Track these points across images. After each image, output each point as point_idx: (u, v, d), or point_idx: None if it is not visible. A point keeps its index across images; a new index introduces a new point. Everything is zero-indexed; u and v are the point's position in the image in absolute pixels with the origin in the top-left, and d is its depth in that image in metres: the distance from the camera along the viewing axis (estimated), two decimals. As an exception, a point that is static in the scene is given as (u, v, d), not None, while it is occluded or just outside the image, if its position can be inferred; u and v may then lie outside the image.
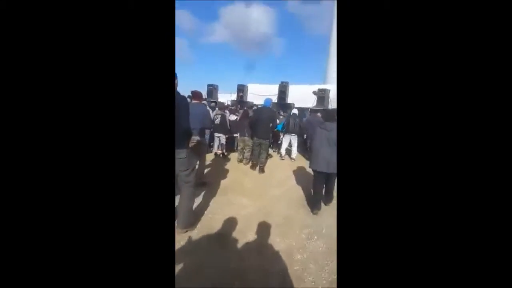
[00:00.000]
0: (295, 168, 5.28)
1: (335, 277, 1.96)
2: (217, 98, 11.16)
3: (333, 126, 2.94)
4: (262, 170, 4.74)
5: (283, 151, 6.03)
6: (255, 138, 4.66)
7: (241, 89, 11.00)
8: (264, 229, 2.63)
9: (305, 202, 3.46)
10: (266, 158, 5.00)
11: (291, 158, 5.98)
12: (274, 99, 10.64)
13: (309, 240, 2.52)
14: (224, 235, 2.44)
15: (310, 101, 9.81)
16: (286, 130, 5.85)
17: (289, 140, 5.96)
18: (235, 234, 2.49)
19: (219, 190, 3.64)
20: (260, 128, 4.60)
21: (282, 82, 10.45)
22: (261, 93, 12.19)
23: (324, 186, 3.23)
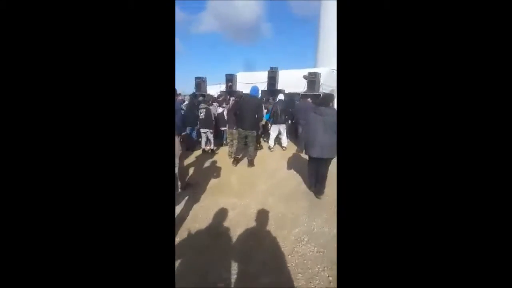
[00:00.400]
0: (285, 158, 5.01)
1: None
2: (205, 91, 10.75)
3: (327, 111, 2.87)
4: (251, 164, 4.46)
5: (271, 142, 5.67)
6: (240, 130, 4.33)
7: (230, 79, 10.57)
8: (250, 233, 2.40)
9: (295, 196, 3.24)
10: (255, 151, 4.75)
11: (282, 147, 5.69)
12: (264, 86, 10.28)
13: (299, 243, 2.29)
14: (206, 244, 2.21)
15: (301, 86, 9.43)
16: (274, 119, 5.51)
17: (277, 131, 5.62)
18: (219, 240, 2.26)
19: (204, 191, 3.39)
20: (245, 118, 4.23)
21: (271, 68, 10.01)
22: (251, 81, 11.81)
23: (317, 171, 3.17)
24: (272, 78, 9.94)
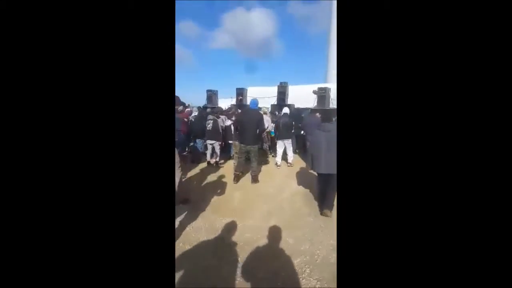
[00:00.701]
0: (291, 175, 4.73)
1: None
2: (217, 104, 10.76)
3: (331, 127, 2.87)
4: (254, 180, 4.17)
5: (278, 158, 5.33)
6: (241, 145, 4.09)
7: (240, 93, 10.54)
8: (247, 263, 2.13)
9: (298, 219, 2.94)
10: (259, 166, 4.45)
11: (288, 163, 5.38)
12: (274, 101, 10.17)
13: (301, 275, 2.00)
14: (192, 273, 1.96)
15: (311, 101, 9.24)
16: (278, 135, 5.25)
17: (283, 146, 5.30)
18: (208, 269, 2.00)
19: (201, 208, 3.16)
20: (245, 132, 3.95)
21: (281, 83, 9.93)
22: (261, 95, 11.77)
23: (325, 189, 3.06)
24: (282, 93, 9.83)
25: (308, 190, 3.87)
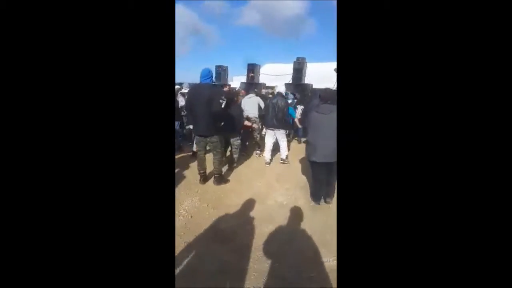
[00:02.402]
0: (282, 175, 3.47)
1: None
2: (226, 81, 9.53)
3: (329, 108, 2.40)
4: (217, 181, 2.93)
5: (267, 154, 3.93)
6: (196, 137, 2.81)
7: (252, 69, 9.09)
8: None
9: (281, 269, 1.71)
10: (221, 164, 3.01)
11: (280, 160, 4.00)
12: (289, 79, 8.65)
13: None
14: None
15: (332, 81, 7.58)
16: (266, 121, 3.83)
17: (273, 138, 3.91)
18: None
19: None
20: (197, 119, 2.62)
21: (297, 59, 8.27)
22: (276, 73, 10.21)
23: (323, 179, 2.61)
24: (298, 71, 8.22)
25: (307, 202, 2.63)
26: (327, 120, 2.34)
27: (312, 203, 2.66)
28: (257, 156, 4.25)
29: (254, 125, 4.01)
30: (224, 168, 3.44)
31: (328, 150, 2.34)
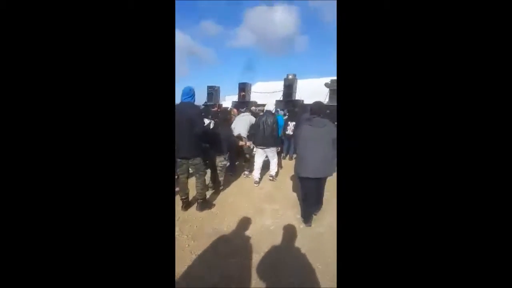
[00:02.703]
0: (269, 195, 3.24)
1: None
2: (217, 101, 9.51)
3: (322, 122, 2.30)
4: (201, 207, 2.67)
5: (256, 173, 3.69)
6: (177, 159, 2.56)
7: (243, 88, 9.12)
8: None
9: None
10: (205, 188, 2.79)
11: (270, 177, 3.79)
12: (279, 96, 8.64)
13: None
14: None
15: (323, 96, 7.55)
16: (256, 139, 3.64)
17: (263, 156, 3.71)
18: None
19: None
20: (179, 139, 2.33)
21: (287, 75, 8.33)
22: (268, 90, 10.24)
23: (313, 195, 2.49)
24: (289, 87, 8.22)
25: (297, 225, 2.38)
26: (320, 134, 2.24)
27: (303, 225, 2.42)
28: (244, 176, 4.01)
29: (248, 143, 3.84)
30: (210, 192, 3.21)
31: (320, 165, 2.24)
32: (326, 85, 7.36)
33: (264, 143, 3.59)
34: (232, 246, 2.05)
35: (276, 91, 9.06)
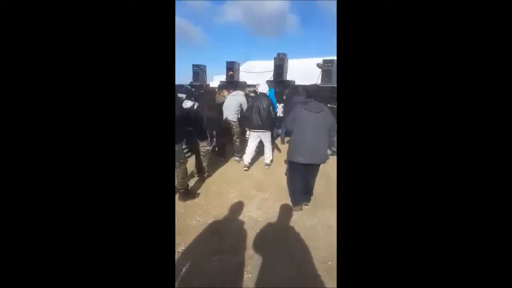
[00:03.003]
0: (262, 182, 3.08)
1: None
2: (204, 81, 9.02)
3: (319, 106, 2.20)
4: (183, 197, 2.47)
5: (246, 158, 3.52)
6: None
7: (231, 67, 8.61)
8: None
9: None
10: (186, 177, 2.53)
11: (266, 166, 3.62)
12: (270, 76, 8.26)
13: None
14: None
15: (315, 77, 7.25)
16: (249, 122, 3.41)
17: (256, 141, 3.50)
18: None
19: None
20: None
21: (278, 54, 7.88)
22: (257, 70, 9.78)
23: (305, 181, 2.39)
24: (279, 67, 7.82)
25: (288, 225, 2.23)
26: (316, 119, 2.15)
27: (294, 217, 2.27)
28: (236, 161, 3.81)
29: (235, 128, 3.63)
30: (195, 179, 2.99)
31: (314, 151, 2.17)
32: (318, 65, 7.03)
33: (259, 126, 3.36)
34: (218, 241, 1.88)
35: (266, 71, 8.64)
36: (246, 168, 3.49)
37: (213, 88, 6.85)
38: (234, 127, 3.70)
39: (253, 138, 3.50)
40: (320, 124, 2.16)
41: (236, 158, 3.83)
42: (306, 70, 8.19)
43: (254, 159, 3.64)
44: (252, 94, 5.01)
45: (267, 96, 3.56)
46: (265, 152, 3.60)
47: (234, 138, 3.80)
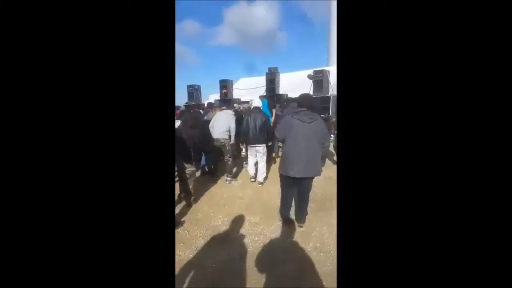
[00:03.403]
0: (249, 201, 2.82)
1: None
2: (199, 100, 8.97)
3: (312, 115, 1.99)
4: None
5: (250, 169, 3.49)
6: None
7: (224, 85, 8.61)
8: None
9: None
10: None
11: (259, 184, 3.40)
12: (263, 92, 8.20)
13: None
14: None
15: (307, 89, 7.17)
16: (247, 138, 3.29)
17: (254, 155, 3.40)
18: None
19: None
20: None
21: (269, 69, 7.88)
22: (250, 86, 9.76)
23: (296, 197, 2.21)
24: (271, 81, 7.78)
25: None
26: (308, 129, 1.96)
27: (289, 240, 2.02)
28: (227, 182, 3.58)
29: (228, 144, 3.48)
30: (181, 205, 2.75)
31: (308, 163, 1.98)
32: (309, 76, 6.97)
33: (255, 141, 3.28)
34: (200, 277, 1.61)
35: (259, 87, 8.60)
36: (253, 180, 3.51)
37: (202, 106, 6.74)
38: (225, 145, 3.50)
39: (251, 152, 3.41)
40: (312, 135, 1.97)
41: (228, 178, 3.59)
42: (297, 83, 8.15)
43: (246, 176, 3.42)
44: (244, 109, 4.90)
45: (261, 111, 3.42)
46: (258, 169, 3.39)
47: (226, 157, 3.58)
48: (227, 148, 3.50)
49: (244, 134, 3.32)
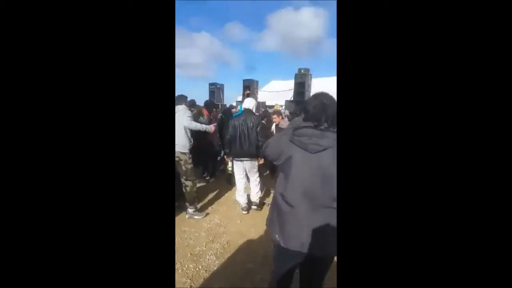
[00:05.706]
0: (233, 238, 1.72)
1: None
2: (221, 100, 8.17)
3: (321, 140, 0.97)
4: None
5: (240, 197, 2.44)
6: None
7: (247, 86, 7.65)
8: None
9: None
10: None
11: (254, 206, 2.39)
12: (290, 96, 7.07)
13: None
14: None
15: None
16: (232, 150, 2.30)
17: (243, 171, 2.40)
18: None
19: None
20: None
21: (299, 70, 6.70)
22: (280, 89, 8.69)
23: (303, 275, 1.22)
24: (301, 85, 6.59)
25: None
26: (314, 165, 0.99)
27: None
28: (188, 217, 2.39)
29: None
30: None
31: (316, 232, 0.99)
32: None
33: (242, 154, 2.27)
34: None
35: (286, 90, 7.48)
36: (245, 212, 2.46)
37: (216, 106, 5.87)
38: (181, 162, 2.29)
39: (239, 168, 2.37)
40: (323, 173, 0.98)
41: (190, 212, 2.39)
42: (330, 89, 6.90)
43: (230, 203, 2.38)
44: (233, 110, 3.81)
45: (253, 113, 2.36)
46: (251, 188, 2.39)
47: (182, 180, 2.36)
48: (183, 168, 2.29)
49: (229, 144, 2.33)
